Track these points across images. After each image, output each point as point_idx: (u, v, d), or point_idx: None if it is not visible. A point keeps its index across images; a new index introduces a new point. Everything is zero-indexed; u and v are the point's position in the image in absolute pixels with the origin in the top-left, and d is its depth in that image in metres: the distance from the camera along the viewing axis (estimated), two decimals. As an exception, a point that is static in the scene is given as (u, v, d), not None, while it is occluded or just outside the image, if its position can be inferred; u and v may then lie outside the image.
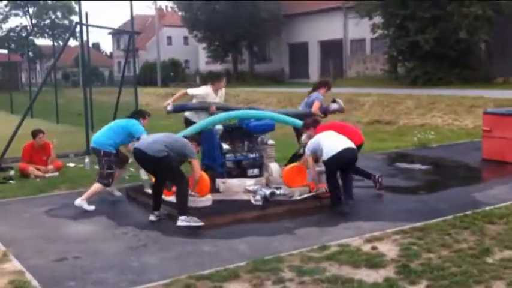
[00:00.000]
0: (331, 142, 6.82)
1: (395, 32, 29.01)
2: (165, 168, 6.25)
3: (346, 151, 6.71)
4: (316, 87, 9.15)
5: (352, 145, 6.84)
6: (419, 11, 26.45)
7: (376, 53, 36.81)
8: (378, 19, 30.36)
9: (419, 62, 27.95)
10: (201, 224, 6.02)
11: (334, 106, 8.90)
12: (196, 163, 6.45)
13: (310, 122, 7.62)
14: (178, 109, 8.62)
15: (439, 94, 19.09)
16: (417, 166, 9.74)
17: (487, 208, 6.55)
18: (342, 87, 27.84)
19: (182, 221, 6.05)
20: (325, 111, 8.87)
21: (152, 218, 6.39)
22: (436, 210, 6.60)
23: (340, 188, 6.82)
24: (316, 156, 7.01)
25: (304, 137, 7.36)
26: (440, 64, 27.66)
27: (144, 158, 6.29)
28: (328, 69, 40.12)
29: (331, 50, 40.66)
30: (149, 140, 6.46)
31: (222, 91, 8.72)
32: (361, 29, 36.03)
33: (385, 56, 31.76)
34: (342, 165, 6.80)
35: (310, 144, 7.01)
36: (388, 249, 5.23)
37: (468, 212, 6.35)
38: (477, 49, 28.69)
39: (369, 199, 7.32)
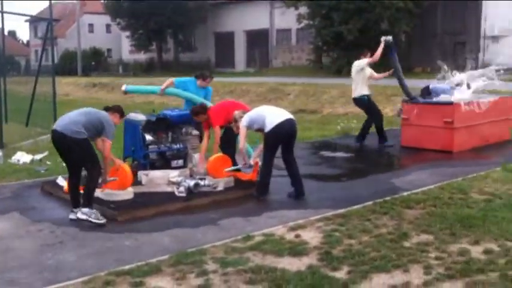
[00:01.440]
0: (273, 113, 6.83)
1: (320, 22, 29.54)
2: (81, 151, 5.87)
3: (288, 122, 6.71)
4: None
5: (292, 117, 6.86)
6: (344, 2, 27.05)
7: (302, 43, 37.34)
8: (303, 9, 30.78)
9: (344, 52, 28.62)
10: (103, 221, 5.81)
11: None
12: (108, 145, 6.02)
13: (198, 108, 7.56)
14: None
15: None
16: (340, 154, 9.93)
17: (405, 194, 6.76)
18: (268, 77, 28.06)
19: (82, 214, 5.83)
20: None
21: (72, 216, 5.99)
22: (357, 197, 6.74)
23: (271, 176, 6.81)
24: (250, 129, 6.95)
25: (236, 112, 7.25)
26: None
27: (61, 140, 5.89)
28: (254, 58, 40.32)
29: (257, 39, 40.85)
30: (65, 119, 6.03)
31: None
32: (287, 19, 36.44)
33: (311, 46, 32.28)
34: (283, 137, 6.75)
35: (248, 116, 6.93)
36: (312, 236, 5.28)
37: (387, 198, 6.53)
38: (398, 40, 29.70)
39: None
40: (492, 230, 5.25)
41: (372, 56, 10.29)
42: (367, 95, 10.50)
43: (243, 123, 6.89)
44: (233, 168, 7.33)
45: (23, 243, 5.29)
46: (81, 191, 6.11)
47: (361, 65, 10.30)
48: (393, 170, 8.93)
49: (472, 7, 28.01)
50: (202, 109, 7.53)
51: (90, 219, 5.82)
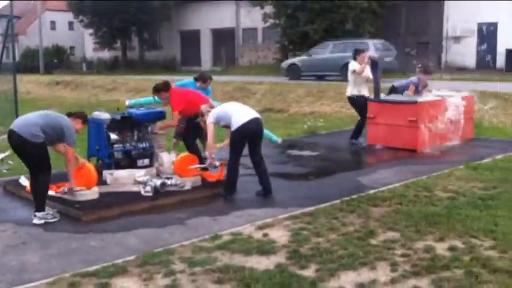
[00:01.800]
0: (239, 112, 6.80)
1: (286, 22, 29.64)
2: (36, 155, 5.75)
3: (254, 121, 6.70)
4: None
5: (259, 116, 6.86)
6: (309, 2, 27.21)
7: (268, 42, 37.40)
8: (269, 8, 30.83)
9: (309, 52, 28.73)
10: (57, 218, 5.83)
11: None
12: (70, 151, 5.98)
13: (161, 84, 7.56)
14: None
15: (327, 83, 19.75)
16: (307, 153, 9.97)
17: (371, 192, 6.83)
18: (234, 75, 28.01)
19: (40, 219, 5.76)
20: None
21: (36, 221, 5.80)
22: (324, 195, 6.77)
23: (237, 175, 6.79)
24: (217, 125, 6.92)
25: (203, 106, 7.21)
26: (329, 54, 28.58)
27: (18, 141, 5.75)
28: (221, 57, 40.20)
29: (224, 38, 40.73)
30: (24, 121, 5.90)
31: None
32: (253, 17, 36.44)
33: (277, 45, 32.37)
34: (249, 136, 6.74)
35: (215, 112, 6.90)
36: (280, 235, 5.28)
37: (354, 196, 6.58)
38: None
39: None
40: (456, 227, 5.34)
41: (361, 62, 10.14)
42: (358, 96, 10.37)
43: (210, 119, 6.85)
44: (198, 166, 7.28)
45: (-17, 245, 5.14)
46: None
47: (350, 69, 10.28)
48: (359, 168, 9.02)
49: (434, 7, 28.54)
50: (165, 86, 7.50)
51: (48, 220, 5.76)
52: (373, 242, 5.02)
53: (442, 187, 6.97)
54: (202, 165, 7.31)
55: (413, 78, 10.94)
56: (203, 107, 7.10)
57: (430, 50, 29.15)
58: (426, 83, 10.87)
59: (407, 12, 29.62)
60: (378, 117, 10.30)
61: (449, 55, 28.68)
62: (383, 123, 10.19)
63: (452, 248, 4.81)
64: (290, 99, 18.29)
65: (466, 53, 27.79)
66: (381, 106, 10.32)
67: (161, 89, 7.46)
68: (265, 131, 9.73)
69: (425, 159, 9.17)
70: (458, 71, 26.56)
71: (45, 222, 5.73)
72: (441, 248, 4.82)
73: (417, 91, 10.65)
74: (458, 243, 4.93)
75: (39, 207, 5.82)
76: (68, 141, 5.93)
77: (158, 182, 6.73)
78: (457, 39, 28.30)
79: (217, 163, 7.14)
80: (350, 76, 10.39)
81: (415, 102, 9.94)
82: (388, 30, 29.71)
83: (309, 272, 4.36)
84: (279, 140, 9.54)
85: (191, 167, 7.16)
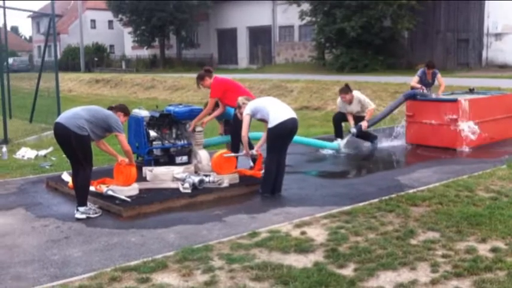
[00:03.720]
0: (277, 109, 6.80)
1: (322, 19, 29.49)
2: (80, 147, 5.86)
3: (291, 121, 6.70)
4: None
5: (295, 116, 6.86)
6: (346, -1, 27.02)
7: (305, 39, 37.29)
8: (306, 6, 30.73)
9: (346, 49, 28.60)
10: (99, 213, 5.96)
11: None
12: (123, 137, 6.11)
13: (203, 72, 7.71)
14: None
15: (364, 80, 19.56)
16: (344, 151, 9.89)
17: (411, 191, 6.74)
18: (271, 74, 28.02)
19: (82, 213, 5.89)
20: None
21: (78, 215, 5.94)
22: (362, 194, 6.72)
23: (275, 172, 6.80)
24: (253, 117, 6.94)
25: (240, 98, 7.25)
26: (366, 51, 28.42)
27: (63, 133, 5.88)
28: (257, 55, 40.28)
29: (260, 36, 40.80)
30: (69, 114, 6.03)
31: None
32: (289, 15, 36.39)
33: (313, 42, 32.23)
34: (286, 135, 6.75)
35: (252, 105, 6.92)
36: (317, 233, 5.26)
37: (393, 195, 6.50)
38: (400, 37, 29.71)
39: (298, 184, 7.35)
40: (499, 228, 5.22)
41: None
42: None
43: (246, 110, 6.87)
44: (233, 154, 7.31)
45: (28, 239, 5.29)
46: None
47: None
48: (398, 167, 8.91)
49: (474, 4, 27.94)
50: (208, 72, 7.63)
51: (89, 216, 5.88)
52: (413, 242, 4.96)
53: (484, 187, 6.82)
54: (238, 154, 7.33)
55: (419, 71, 11.04)
56: (240, 99, 7.13)
57: (470, 47, 28.55)
58: (435, 76, 10.85)
59: (447, 9, 29.07)
60: (417, 116, 10.16)
61: (490, 52, 28.01)
62: (422, 122, 10.04)
63: (494, 249, 4.70)
64: (327, 96, 18.20)
65: (507, 50, 27.10)
66: (420, 104, 10.17)
67: (205, 75, 7.55)
68: (320, 142, 9.77)
69: (465, 158, 9.00)
70: (500, 69, 25.94)
71: (87, 217, 5.86)
72: (483, 249, 4.73)
73: (424, 83, 10.68)
74: (500, 245, 4.82)
75: (81, 202, 5.95)
76: (115, 128, 6.04)
77: (196, 179, 6.79)
78: (498, 36, 27.64)
79: (255, 152, 7.15)
80: None
81: (455, 100, 9.76)
82: (427, 27, 29.23)
83: (348, 271, 4.33)
84: (340, 144, 9.53)
85: (225, 155, 7.18)
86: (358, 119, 9.96)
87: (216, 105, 7.91)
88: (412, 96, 10.29)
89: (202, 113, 7.72)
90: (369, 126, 9.96)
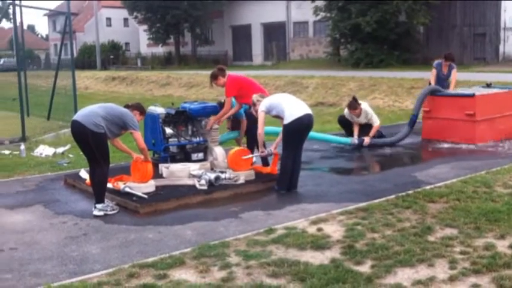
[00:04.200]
0: (292, 105, 6.79)
1: (337, 14, 29.37)
2: (96, 145, 5.89)
3: (306, 117, 6.69)
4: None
5: (311, 112, 6.84)
6: (361, -7, 26.86)
7: (319, 35, 37.17)
8: (320, 1, 30.62)
9: (361, 45, 28.46)
10: (116, 210, 6.01)
11: None
12: (138, 135, 6.13)
13: (216, 70, 7.61)
14: None
15: (380, 76, 19.46)
16: (360, 147, 9.85)
17: (428, 187, 6.69)
18: (286, 70, 27.99)
19: (100, 210, 5.94)
20: None
21: (96, 212, 5.99)
22: (379, 190, 6.69)
23: (291, 169, 6.79)
24: (268, 114, 6.93)
25: (255, 96, 7.25)
26: (381, 46, 28.26)
27: (80, 130, 5.91)
28: (272, 51, 40.23)
29: (275, 32, 40.75)
30: (85, 111, 6.07)
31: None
32: (303, 11, 36.29)
33: (328, 38, 32.11)
34: (301, 131, 6.74)
35: (267, 101, 6.93)
36: (334, 230, 5.25)
37: (410, 192, 6.46)
38: (416, 32, 29.48)
39: (314, 181, 7.34)
40: (518, 224, 5.17)
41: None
42: None
43: (261, 107, 6.87)
44: (251, 156, 7.32)
45: (47, 236, 5.35)
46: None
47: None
48: (414, 163, 8.86)
49: (491, -2, 27.65)
50: (221, 71, 7.58)
51: (107, 212, 5.94)
52: (431, 238, 4.92)
53: (502, 183, 6.76)
54: (256, 154, 7.33)
55: (435, 62, 10.82)
56: (254, 96, 7.12)
57: (487, 42, 28.24)
58: (452, 70, 10.57)
59: (463, 3, 28.78)
60: (434, 111, 10.08)
61: (507, 46, 27.69)
62: (439, 117, 9.97)
63: (513, 246, 4.66)
64: (342, 92, 18.14)
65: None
66: (437, 100, 10.09)
67: (218, 74, 7.53)
68: (333, 137, 9.75)
69: (483, 154, 8.91)
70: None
71: (105, 214, 5.92)
72: (502, 246, 4.68)
73: (439, 76, 10.50)
74: (520, 241, 4.77)
75: (99, 199, 6.01)
76: (131, 126, 6.06)
77: (212, 175, 6.81)
78: (516, 30, 27.31)
79: (272, 150, 7.15)
80: None
81: (473, 96, 9.67)
82: (443, 21, 28.96)
83: (365, 268, 4.32)
84: (353, 140, 9.52)
85: (244, 157, 7.20)
86: (364, 127, 9.87)
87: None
88: (413, 123, 10.10)
89: (220, 113, 7.71)
90: (372, 146, 9.67)
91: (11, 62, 42.53)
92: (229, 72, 7.78)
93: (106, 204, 6.01)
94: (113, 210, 6.01)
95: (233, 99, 7.70)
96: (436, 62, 10.82)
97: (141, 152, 6.37)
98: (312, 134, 8.31)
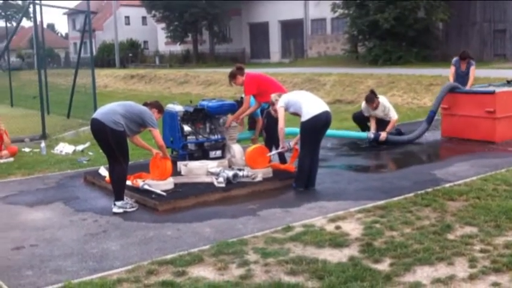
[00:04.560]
0: (310, 102, 6.79)
1: (355, 11, 29.18)
2: (116, 142, 5.95)
3: (324, 114, 6.68)
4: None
5: (329, 109, 6.83)
6: (379, -10, 26.66)
7: (337, 32, 36.97)
8: (338, -2, 30.45)
9: (379, 41, 28.25)
10: (135, 208, 6.07)
11: None
12: (156, 133, 6.19)
13: (234, 70, 7.61)
14: None
15: (398, 73, 19.31)
16: (378, 145, 9.78)
17: (447, 185, 6.64)
18: (303, 67, 27.91)
19: (119, 208, 6.00)
20: None
21: (115, 209, 6.05)
22: (397, 188, 6.65)
23: (309, 167, 6.78)
24: (286, 111, 6.94)
25: (273, 95, 7.25)
26: (400, 43, 28.02)
27: (99, 128, 5.98)
28: (289, 49, 40.13)
29: (292, 29, 40.65)
30: (105, 109, 6.14)
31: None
32: (321, 8, 36.12)
33: (346, 35, 31.93)
34: (319, 128, 6.73)
35: (286, 98, 6.93)
36: (352, 228, 5.24)
37: (429, 190, 6.41)
38: (435, 29, 29.17)
39: (331, 178, 7.32)
40: (539, 222, 5.10)
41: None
42: None
43: (280, 103, 6.88)
44: (272, 153, 7.32)
45: (67, 233, 5.41)
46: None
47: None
48: (433, 161, 8.79)
49: (512, -6, 27.23)
50: (240, 70, 7.57)
51: (126, 210, 6.00)
52: (450, 237, 4.89)
53: (523, 181, 6.67)
54: (277, 151, 7.33)
55: (454, 60, 10.72)
56: (273, 96, 7.13)
57: (507, 38, 27.84)
58: (470, 67, 10.42)
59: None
60: (453, 109, 9.99)
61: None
62: (458, 115, 9.87)
63: (534, 245, 4.60)
64: (360, 90, 18.02)
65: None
66: (456, 97, 9.99)
67: (237, 73, 7.54)
68: (350, 133, 9.70)
69: (503, 152, 8.80)
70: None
71: (124, 211, 5.97)
72: (523, 245, 4.63)
73: (458, 73, 10.41)
74: (541, 240, 4.71)
75: (118, 197, 6.07)
76: (149, 123, 6.12)
77: (230, 173, 6.83)
78: (536, 25, 26.88)
79: (291, 145, 7.15)
80: None
81: (493, 93, 9.56)
82: (462, 18, 28.62)
83: (383, 266, 4.30)
84: (369, 134, 9.47)
85: (268, 154, 7.20)
86: (381, 123, 9.79)
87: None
88: (431, 119, 10.01)
89: (239, 111, 7.71)
90: (388, 143, 9.55)
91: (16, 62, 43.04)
92: (248, 71, 7.78)
93: (125, 202, 6.06)
94: (132, 207, 6.06)
95: (252, 98, 7.71)
96: (454, 59, 10.72)
97: (159, 149, 6.42)
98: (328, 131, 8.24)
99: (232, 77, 7.64)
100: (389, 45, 27.67)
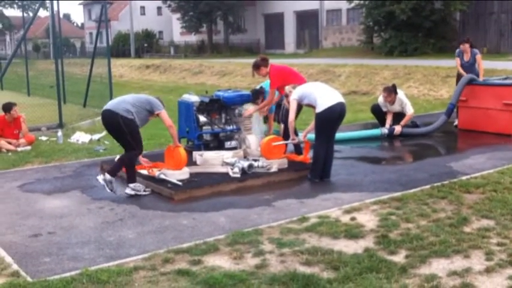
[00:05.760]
0: (325, 94, 6.77)
1: (371, 1, 28.92)
2: (128, 131, 6.13)
3: (339, 105, 6.66)
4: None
5: (343, 101, 6.81)
6: (396, -20, 26.38)
7: (353, 23, 36.71)
8: (354, -11, 30.21)
9: (395, 32, 27.99)
10: (148, 192, 6.27)
11: None
12: (164, 114, 6.31)
13: (259, 60, 7.53)
14: None
15: (414, 64, 19.14)
16: (395, 136, 9.73)
17: (464, 178, 6.60)
18: (318, 58, 27.79)
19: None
20: None
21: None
22: (413, 180, 6.63)
23: (323, 159, 6.77)
24: (300, 103, 6.94)
25: (287, 87, 7.23)
26: (416, 34, 27.75)
27: (111, 117, 6.15)
28: (304, 40, 39.95)
29: (307, 20, 40.44)
30: (114, 101, 6.44)
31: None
32: (337, -1, 35.81)
33: (361, 26, 31.69)
34: (334, 119, 6.72)
35: (300, 90, 6.92)
36: (367, 219, 5.23)
37: (445, 182, 6.38)
38: (452, 20, 28.84)
39: (347, 170, 7.31)
40: (557, 216, 5.06)
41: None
42: None
43: (294, 96, 6.88)
44: (282, 142, 7.31)
45: (84, 221, 5.47)
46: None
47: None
48: (450, 153, 8.72)
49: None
50: (264, 61, 7.48)
51: (138, 193, 6.21)
52: (467, 229, 4.86)
53: (541, 174, 6.61)
54: (287, 141, 7.32)
55: (456, 51, 10.54)
56: (287, 88, 7.13)
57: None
58: (475, 56, 10.19)
59: (502, -11, 28.00)
60: (470, 101, 9.89)
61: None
62: (475, 107, 9.78)
63: (552, 238, 4.56)
64: (375, 81, 17.92)
65: None
66: (474, 89, 9.89)
67: (261, 64, 7.49)
68: (362, 132, 9.66)
69: (521, 144, 8.72)
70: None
71: (136, 195, 6.14)
72: (540, 238, 4.59)
73: (463, 64, 10.23)
74: (559, 234, 4.67)
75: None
76: (156, 107, 6.31)
77: (246, 163, 6.84)
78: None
79: (301, 138, 7.14)
80: None
81: (511, 85, 9.45)
82: (480, 8, 28.26)
83: (399, 258, 4.29)
84: (383, 130, 9.44)
85: (274, 143, 7.20)
86: (398, 115, 9.74)
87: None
88: (451, 111, 9.94)
89: (264, 103, 7.67)
90: (404, 135, 9.52)
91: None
92: (272, 62, 7.74)
93: (138, 184, 6.27)
94: (145, 191, 6.26)
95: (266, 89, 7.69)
96: (457, 50, 10.53)
97: (168, 130, 6.48)
98: (338, 135, 8.11)
99: (257, 67, 7.56)
100: (405, 36, 27.42)
